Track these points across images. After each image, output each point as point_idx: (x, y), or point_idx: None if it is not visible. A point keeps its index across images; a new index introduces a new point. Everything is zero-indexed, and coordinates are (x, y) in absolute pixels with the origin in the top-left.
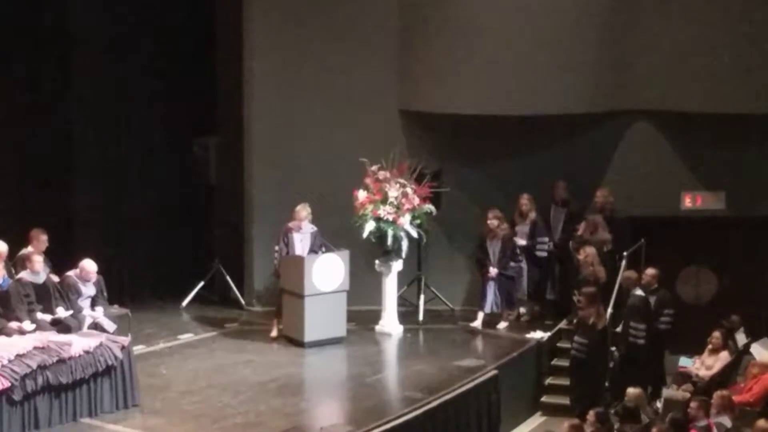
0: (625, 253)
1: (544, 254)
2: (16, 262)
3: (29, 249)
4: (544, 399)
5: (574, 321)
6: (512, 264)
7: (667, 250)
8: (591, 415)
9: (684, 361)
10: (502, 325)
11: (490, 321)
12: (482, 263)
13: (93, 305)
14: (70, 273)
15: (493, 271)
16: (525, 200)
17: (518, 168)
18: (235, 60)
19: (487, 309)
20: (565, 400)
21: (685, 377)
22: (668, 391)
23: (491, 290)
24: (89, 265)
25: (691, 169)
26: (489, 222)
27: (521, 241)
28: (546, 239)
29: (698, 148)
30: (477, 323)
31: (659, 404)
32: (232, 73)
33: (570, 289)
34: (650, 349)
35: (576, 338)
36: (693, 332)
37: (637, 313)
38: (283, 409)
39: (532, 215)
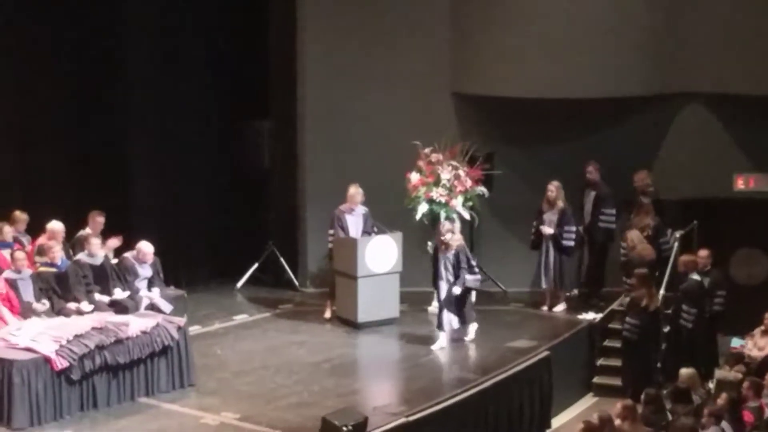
0: (677, 235)
1: (571, 243)
2: (74, 243)
3: (87, 230)
4: (596, 380)
5: (626, 302)
6: (468, 277)
7: (719, 231)
8: (643, 396)
9: (736, 342)
10: (559, 307)
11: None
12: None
13: (150, 286)
14: (128, 254)
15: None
16: (553, 187)
17: (570, 151)
18: (289, 44)
19: (451, 326)
20: (617, 381)
21: (737, 358)
22: (720, 372)
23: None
24: (146, 247)
25: (743, 151)
26: (443, 234)
27: (548, 230)
28: (573, 228)
29: (751, 130)
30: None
31: (711, 385)
32: (285, 57)
33: (597, 275)
34: (697, 333)
35: (627, 319)
36: (745, 313)
37: (691, 297)
38: (337, 390)
39: (560, 203)
